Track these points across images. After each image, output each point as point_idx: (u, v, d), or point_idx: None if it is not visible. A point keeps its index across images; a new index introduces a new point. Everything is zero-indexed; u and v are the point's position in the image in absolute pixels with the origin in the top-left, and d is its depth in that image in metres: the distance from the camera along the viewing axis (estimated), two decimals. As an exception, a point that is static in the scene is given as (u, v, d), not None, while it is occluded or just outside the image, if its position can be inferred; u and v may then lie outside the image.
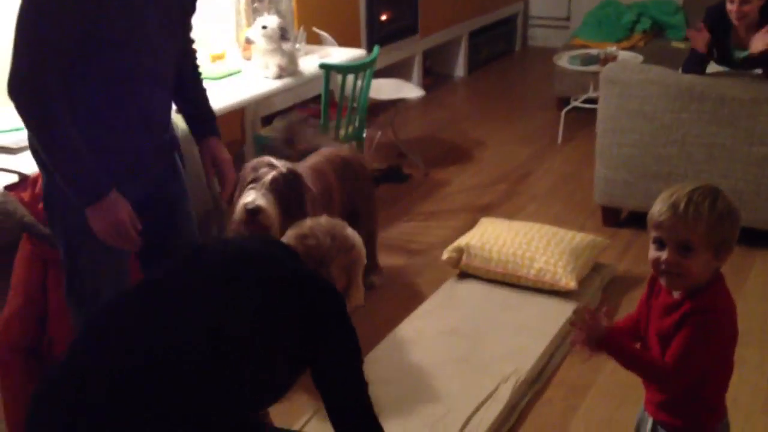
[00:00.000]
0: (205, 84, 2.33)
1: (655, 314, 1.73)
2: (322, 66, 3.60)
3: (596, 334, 1.68)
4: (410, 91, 4.71)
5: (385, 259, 3.66)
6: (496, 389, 2.63)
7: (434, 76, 6.52)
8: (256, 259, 1.80)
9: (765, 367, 2.80)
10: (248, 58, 3.86)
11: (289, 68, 3.68)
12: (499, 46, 7.19)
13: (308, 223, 1.96)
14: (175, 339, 1.61)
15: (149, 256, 2.17)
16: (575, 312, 1.83)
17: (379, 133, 4.90)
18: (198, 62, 2.32)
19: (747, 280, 3.38)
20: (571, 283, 3.13)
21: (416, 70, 6.08)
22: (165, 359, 1.58)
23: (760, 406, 2.61)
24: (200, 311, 1.66)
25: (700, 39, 3.56)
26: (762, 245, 3.63)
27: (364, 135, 3.96)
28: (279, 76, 3.64)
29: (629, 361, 1.70)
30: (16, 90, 1.84)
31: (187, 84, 2.24)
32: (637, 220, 3.93)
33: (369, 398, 1.80)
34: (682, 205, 1.60)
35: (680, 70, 3.66)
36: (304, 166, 2.90)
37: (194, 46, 2.29)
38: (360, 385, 1.79)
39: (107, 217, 1.91)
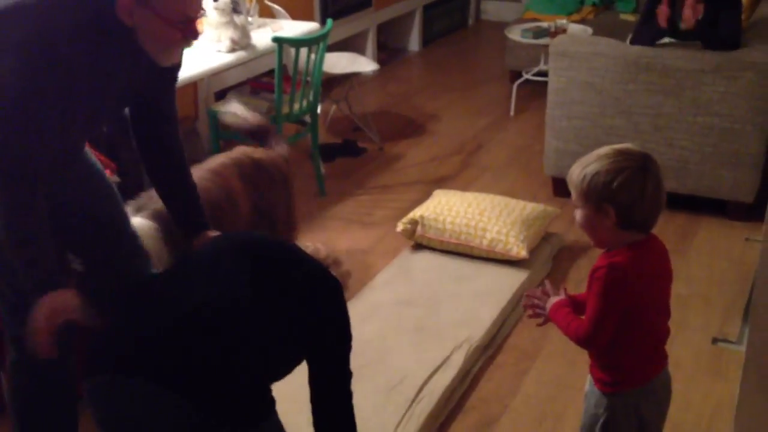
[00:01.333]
0: None
1: None
2: (275, 39, 3.59)
3: (543, 304, 1.87)
4: (364, 65, 4.72)
5: (340, 233, 3.70)
6: (449, 356, 2.70)
7: (388, 51, 6.53)
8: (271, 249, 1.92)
9: (708, 330, 2.91)
10: (200, 32, 3.83)
11: (241, 42, 3.67)
12: (452, 19, 7.22)
13: None
14: (219, 298, 1.76)
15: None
16: (526, 295, 1.92)
17: (334, 107, 4.91)
18: (182, 150, 2.12)
19: (691, 247, 3.49)
20: (522, 253, 3.20)
21: (370, 45, 6.08)
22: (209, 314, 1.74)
23: (702, 367, 2.72)
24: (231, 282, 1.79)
25: (663, 15, 3.60)
26: (706, 212, 3.74)
27: (319, 109, 3.98)
28: (231, 50, 3.63)
29: (561, 326, 1.82)
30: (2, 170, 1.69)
31: (176, 179, 2.11)
32: (587, 190, 4.02)
33: (350, 388, 1.90)
34: (573, 167, 1.76)
35: (628, 42, 3.74)
36: (201, 169, 2.66)
37: (175, 128, 2.10)
38: (346, 375, 1.90)
39: (44, 308, 1.73)
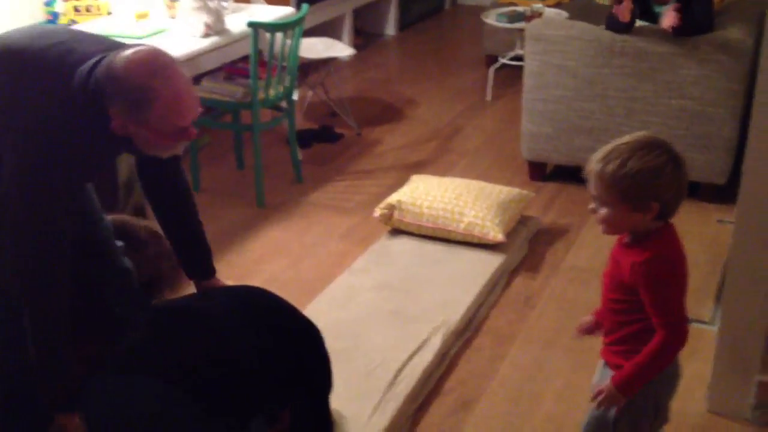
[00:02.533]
0: (130, 43, 2.24)
1: (612, 259, 1.81)
2: (250, 24, 3.57)
3: (612, 396, 1.79)
4: (341, 50, 4.71)
5: (318, 219, 3.70)
6: (427, 339, 2.71)
7: (365, 36, 6.51)
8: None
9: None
10: (173, 17, 3.80)
11: (215, 26, 3.64)
12: (429, 4, 7.21)
13: None
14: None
15: None
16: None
17: (311, 92, 4.89)
18: (189, 189, 2.14)
19: (666, 229, 3.53)
20: (499, 236, 3.22)
21: (346, 30, 6.06)
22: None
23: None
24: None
25: (625, 10, 3.59)
26: (680, 195, 3.78)
27: (295, 95, 3.96)
28: (206, 35, 3.60)
29: (640, 375, 1.76)
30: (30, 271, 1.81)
31: (182, 219, 2.14)
32: (561, 173, 4.05)
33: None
34: (594, 163, 1.70)
35: (603, 26, 3.75)
36: None
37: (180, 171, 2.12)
38: (327, 418, 2.10)
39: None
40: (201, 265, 2.17)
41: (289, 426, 2.05)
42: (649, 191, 1.65)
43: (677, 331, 1.72)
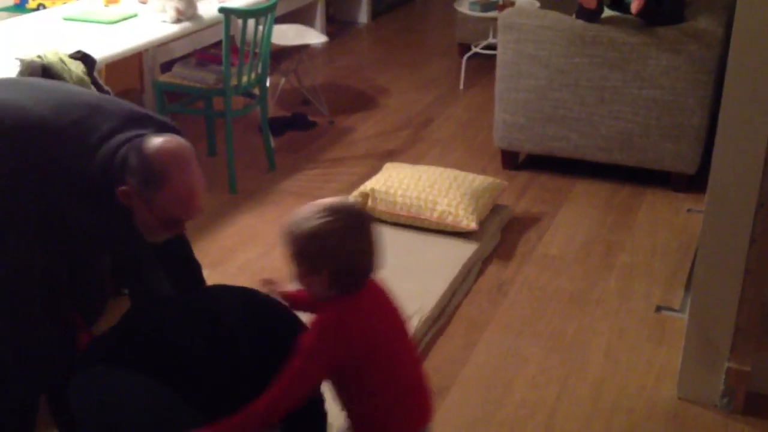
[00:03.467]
0: (99, 29, 2.22)
1: None
2: (222, 10, 3.53)
3: None
4: (314, 37, 4.68)
5: (291, 207, 3.67)
6: (400, 327, 2.71)
7: (337, 23, 6.48)
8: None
9: (651, 299, 2.98)
10: (144, 2, 3.75)
11: (187, 12, 3.59)
12: (402, -8, 7.19)
13: None
14: None
15: None
16: None
17: (283, 80, 4.86)
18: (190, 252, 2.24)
19: (636, 217, 3.57)
20: (472, 224, 3.23)
21: (319, 17, 6.03)
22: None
23: (646, 335, 2.79)
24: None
25: None
26: (650, 184, 3.82)
27: (268, 82, 3.93)
28: (177, 21, 3.56)
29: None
30: None
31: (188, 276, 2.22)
32: (534, 162, 4.07)
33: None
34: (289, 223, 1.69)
35: (574, 16, 3.77)
36: None
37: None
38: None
39: None
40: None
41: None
42: (316, 256, 1.61)
43: (272, 407, 1.63)
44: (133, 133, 1.86)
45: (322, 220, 1.62)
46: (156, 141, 1.82)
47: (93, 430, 1.88)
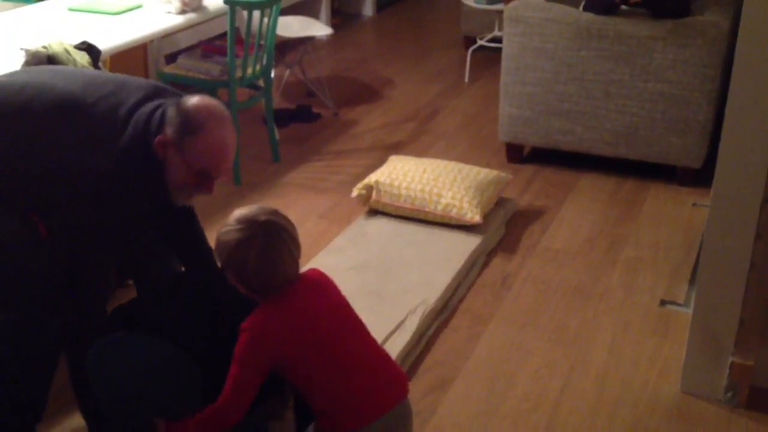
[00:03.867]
0: (104, 19, 2.26)
1: None
2: (228, 1, 3.52)
3: None
4: (319, 29, 4.67)
5: (295, 199, 3.68)
6: (404, 320, 2.71)
7: (343, 16, 6.46)
8: None
9: (656, 292, 2.98)
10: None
11: (192, 3, 3.59)
12: (407, -16, 7.16)
13: None
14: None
15: None
16: None
17: (288, 71, 4.85)
18: (202, 233, 2.30)
19: (640, 211, 3.56)
20: (476, 218, 3.23)
21: (324, 9, 6.02)
22: None
23: (650, 329, 2.78)
24: None
25: None
26: (654, 178, 3.81)
27: (272, 74, 3.93)
28: (182, 12, 3.55)
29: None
30: None
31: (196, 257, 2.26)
32: (539, 156, 4.06)
33: None
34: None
35: (581, 8, 3.75)
36: None
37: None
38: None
39: None
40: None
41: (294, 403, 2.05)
42: (226, 265, 1.73)
43: (224, 412, 1.71)
44: (162, 101, 1.95)
45: (231, 231, 1.72)
46: (195, 97, 1.94)
47: (108, 399, 1.88)
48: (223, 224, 1.77)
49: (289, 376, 1.76)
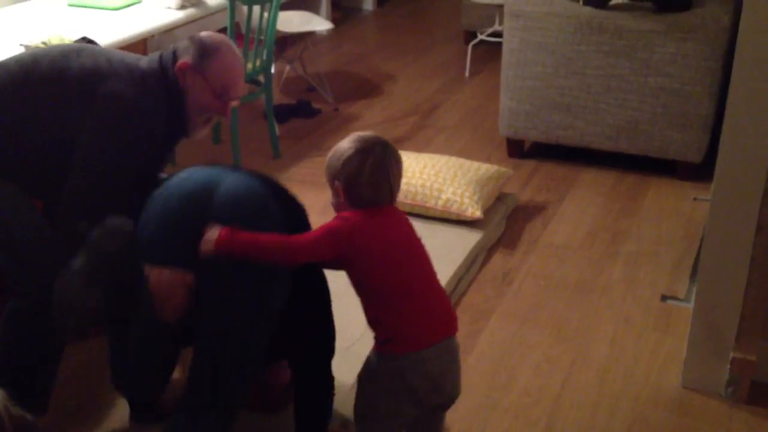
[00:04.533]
0: (104, 15, 2.33)
1: None
2: (227, -3, 3.52)
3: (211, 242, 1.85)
4: (319, 23, 4.66)
5: (296, 193, 3.66)
6: (405, 315, 2.71)
7: (343, 10, 6.45)
8: None
9: (657, 287, 2.98)
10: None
11: (192, -1, 3.59)
12: (407, -21, 7.15)
13: None
14: None
15: None
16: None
17: (288, 66, 4.85)
18: None
19: (642, 206, 3.56)
20: (477, 213, 3.22)
21: (324, 4, 6.00)
22: None
23: (652, 323, 2.78)
24: None
25: None
26: (656, 172, 3.81)
27: (272, 69, 3.92)
28: (182, 7, 3.54)
29: (246, 244, 1.84)
30: None
31: None
32: (539, 150, 4.06)
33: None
34: None
35: (581, 2, 3.74)
36: None
37: None
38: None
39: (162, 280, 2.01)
40: None
41: (293, 385, 2.13)
42: (340, 170, 1.85)
43: (282, 248, 1.85)
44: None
45: (350, 144, 1.86)
46: (205, 33, 2.20)
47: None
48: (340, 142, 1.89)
49: (357, 274, 1.87)
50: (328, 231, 1.84)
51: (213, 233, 1.83)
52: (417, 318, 1.85)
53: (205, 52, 2.12)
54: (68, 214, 2.03)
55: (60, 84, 2.07)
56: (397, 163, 1.87)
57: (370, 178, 1.82)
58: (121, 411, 2.33)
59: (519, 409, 2.40)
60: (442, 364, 1.87)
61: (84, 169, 2.03)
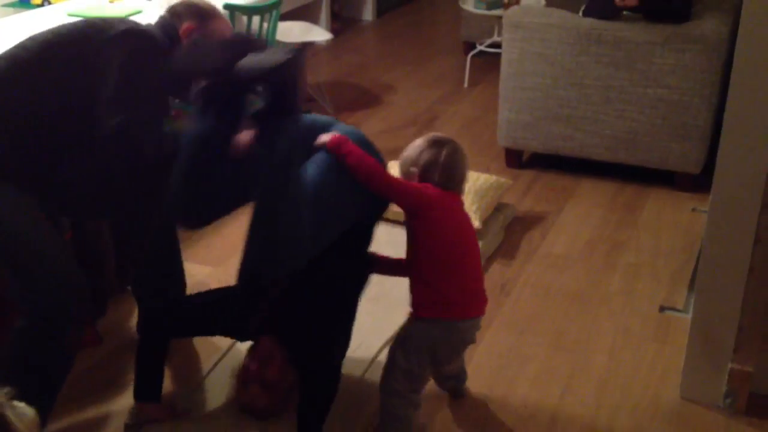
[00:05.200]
0: None
1: None
2: (227, 6, 3.53)
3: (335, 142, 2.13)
4: (318, 34, 4.68)
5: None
6: (404, 324, 2.70)
7: (342, 20, 6.47)
8: None
9: (655, 298, 2.97)
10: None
11: (192, 9, 3.59)
12: (407, -11, 7.18)
13: None
14: None
15: None
16: None
17: (287, 77, 4.85)
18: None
19: (641, 217, 3.56)
20: (476, 223, 3.22)
21: (324, 14, 6.03)
22: None
23: (650, 334, 2.78)
24: None
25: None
26: (655, 183, 3.81)
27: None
28: (182, 18, 3.55)
29: (360, 159, 2.10)
30: None
31: None
32: (538, 161, 4.06)
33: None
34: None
35: (581, 14, 3.76)
36: None
37: None
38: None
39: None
40: None
41: (300, 383, 2.20)
42: (416, 158, 2.14)
43: (384, 180, 2.10)
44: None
45: (423, 141, 2.18)
46: None
47: None
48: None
49: (424, 243, 2.11)
50: (417, 188, 2.10)
51: (329, 135, 2.11)
52: (463, 290, 2.13)
53: (204, 14, 2.27)
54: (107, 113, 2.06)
55: (60, 45, 2.16)
56: (465, 158, 2.16)
57: (444, 166, 2.11)
58: (116, 422, 2.33)
59: (517, 421, 2.39)
60: (463, 340, 2.18)
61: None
